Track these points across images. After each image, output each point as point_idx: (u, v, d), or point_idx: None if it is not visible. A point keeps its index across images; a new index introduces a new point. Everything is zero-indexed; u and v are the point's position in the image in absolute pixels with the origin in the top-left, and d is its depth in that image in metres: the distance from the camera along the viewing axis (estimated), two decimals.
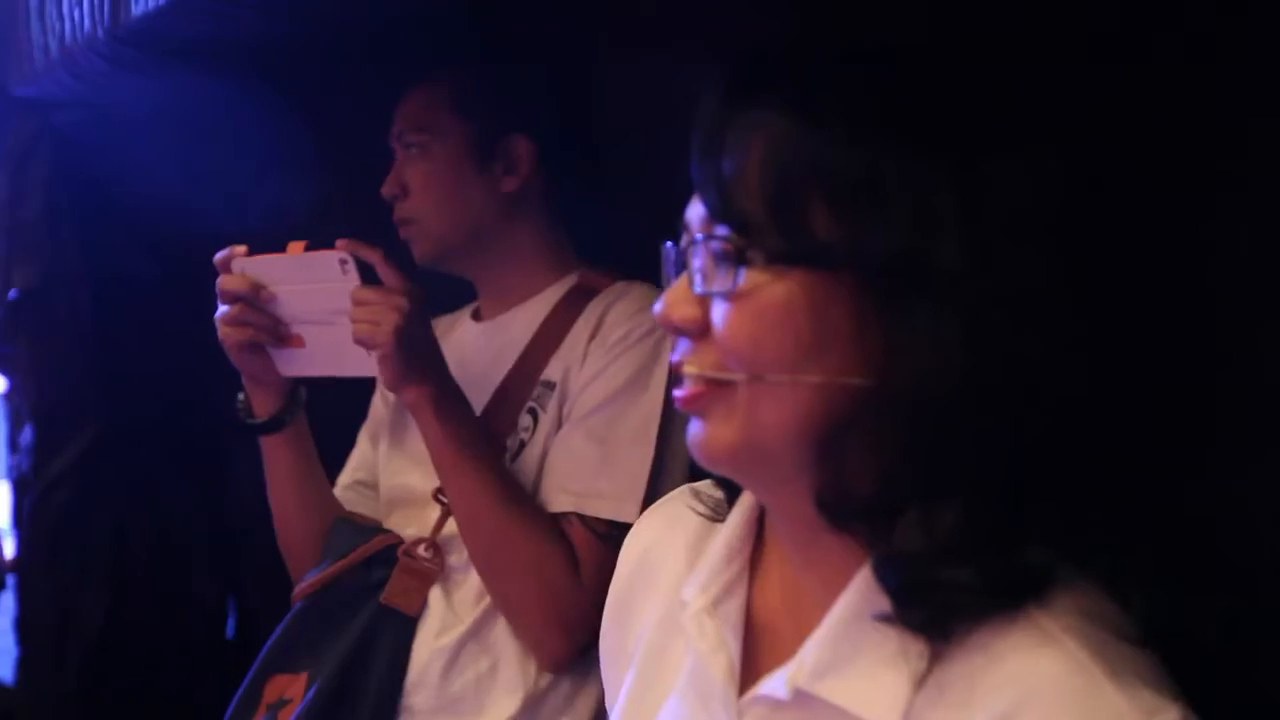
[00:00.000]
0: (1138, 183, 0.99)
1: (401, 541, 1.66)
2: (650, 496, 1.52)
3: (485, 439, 1.59)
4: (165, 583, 2.55)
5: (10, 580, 2.77)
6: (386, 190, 1.71)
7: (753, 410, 0.80)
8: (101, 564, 2.49)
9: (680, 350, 0.84)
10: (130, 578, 2.51)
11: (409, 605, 1.62)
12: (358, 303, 1.51)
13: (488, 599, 1.59)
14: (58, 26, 1.95)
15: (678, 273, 0.84)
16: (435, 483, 1.63)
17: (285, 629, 1.68)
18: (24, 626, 2.58)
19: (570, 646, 1.55)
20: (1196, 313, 1.00)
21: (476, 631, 1.60)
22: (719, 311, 0.80)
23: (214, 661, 2.59)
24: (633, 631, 1.02)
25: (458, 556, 1.63)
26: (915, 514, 0.78)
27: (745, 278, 0.78)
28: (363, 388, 1.87)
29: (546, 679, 1.58)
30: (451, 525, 1.62)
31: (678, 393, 0.84)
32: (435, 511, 1.65)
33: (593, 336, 1.62)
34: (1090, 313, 0.80)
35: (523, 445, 1.62)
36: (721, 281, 0.79)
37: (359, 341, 1.51)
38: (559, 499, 1.56)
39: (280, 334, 1.62)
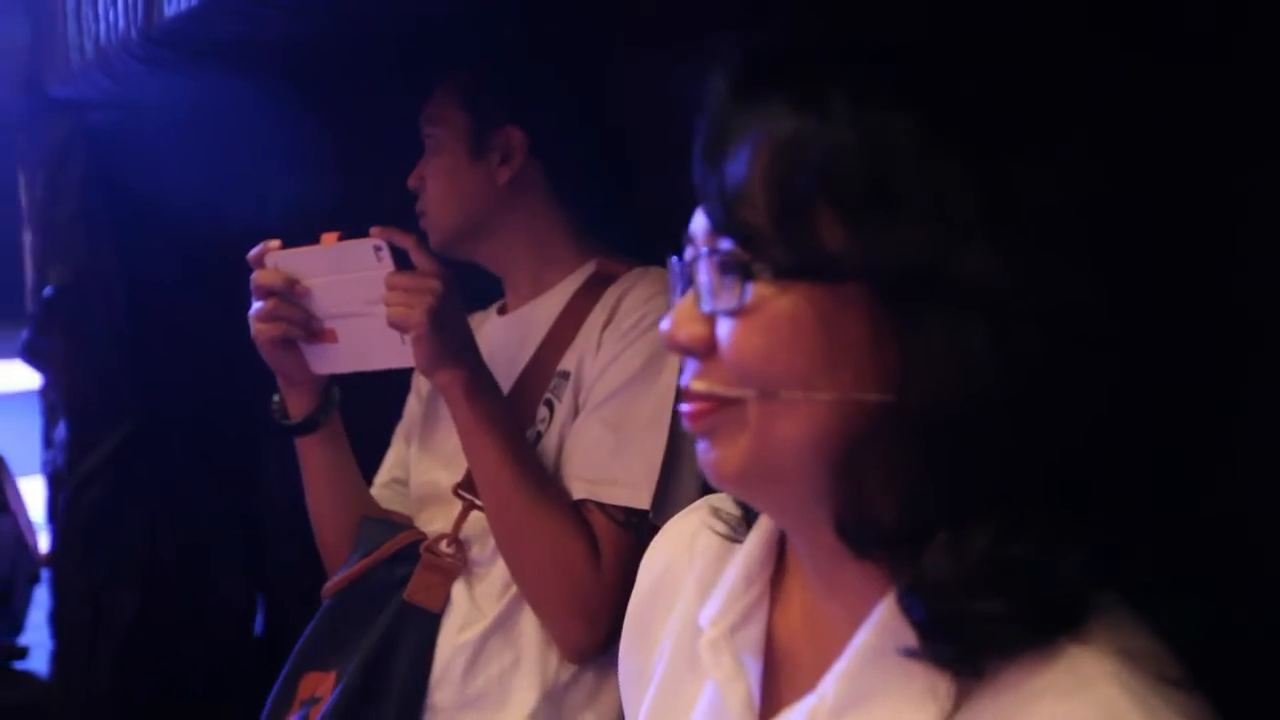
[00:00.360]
0: (1136, 182, 0.99)
1: (425, 538, 1.66)
2: (664, 483, 1.53)
3: (515, 424, 1.59)
4: (195, 580, 2.57)
5: (45, 574, 2.80)
6: (410, 183, 1.73)
7: (764, 428, 0.76)
8: (133, 561, 2.51)
9: (689, 370, 0.80)
10: (160, 575, 2.53)
11: (431, 601, 1.62)
12: (391, 288, 1.52)
13: (512, 591, 1.59)
14: (93, 28, 1.98)
15: (684, 288, 0.80)
16: (458, 479, 1.65)
17: (314, 627, 1.69)
18: (58, 622, 2.61)
19: (593, 636, 1.54)
20: (1196, 312, 1.00)
21: (501, 624, 1.59)
22: (725, 327, 0.76)
23: (242, 659, 2.61)
24: (651, 653, 0.98)
25: (480, 551, 1.63)
26: (944, 538, 0.73)
27: (752, 292, 0.74)
28: (397, 390, 1.89)
29: (567, 673, 1.58)
30: (474, 521, 1.63)
31: (684, 407, 0.80)
32: (458, 507, 1.65)
33: (607, 324, 1.61)
34: (1116, 317, 0.77)
35: (539, 437, 1.62)
36: (727, 298, 0.75)
37: (393, 324, 1.52)
38: (575, 487, 1.56)
39: (313, 329, 1.63)
